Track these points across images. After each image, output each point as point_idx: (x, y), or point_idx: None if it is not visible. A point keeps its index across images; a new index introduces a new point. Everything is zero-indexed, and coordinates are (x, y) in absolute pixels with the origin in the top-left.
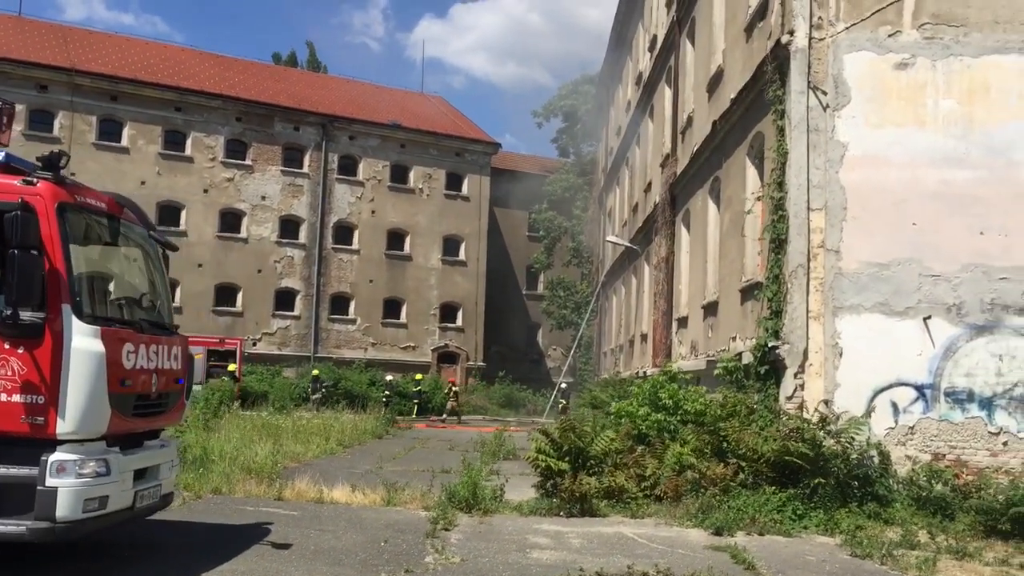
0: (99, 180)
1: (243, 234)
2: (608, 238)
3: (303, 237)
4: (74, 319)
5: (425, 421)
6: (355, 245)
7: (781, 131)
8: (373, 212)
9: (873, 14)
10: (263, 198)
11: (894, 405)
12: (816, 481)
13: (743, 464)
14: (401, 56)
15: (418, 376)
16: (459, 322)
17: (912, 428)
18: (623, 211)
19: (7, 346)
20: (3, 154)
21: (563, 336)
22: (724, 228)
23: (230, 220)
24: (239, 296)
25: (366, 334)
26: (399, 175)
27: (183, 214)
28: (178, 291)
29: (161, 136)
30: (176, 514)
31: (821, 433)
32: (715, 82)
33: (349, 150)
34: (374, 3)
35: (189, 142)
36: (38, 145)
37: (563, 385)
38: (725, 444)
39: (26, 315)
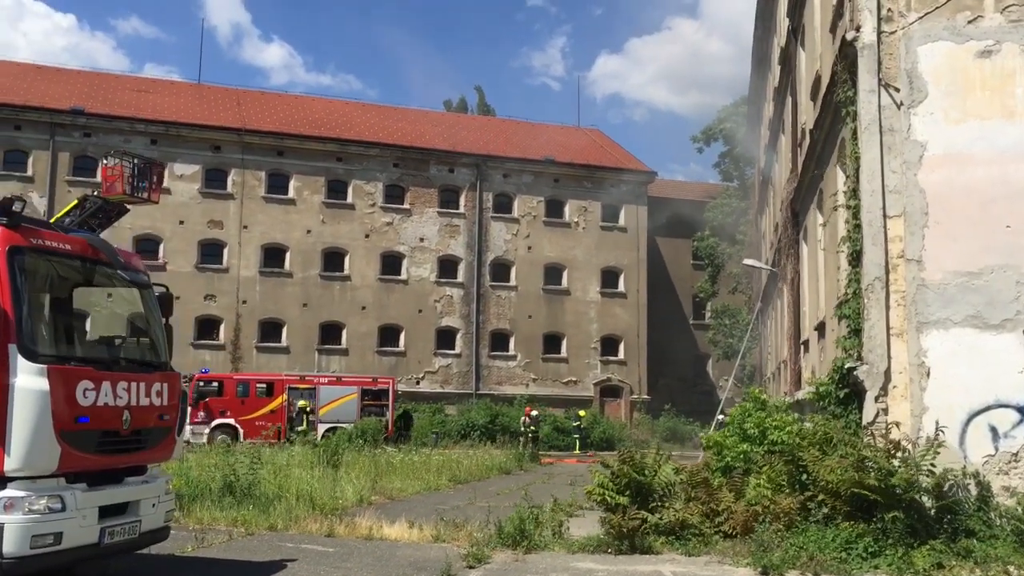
0: (269, 231)
1: (403, 276)
2: (745, 262)
3: (461, 276)
4: (19, 358)
5: (577, 456)
6: (513, 281)
7: (854, 134)
8: (529, 248)
9: (949, 0)
10: (421, 240)
11: (993, 430)
12: (891, 515)
13: (824, 497)
14: (582, 95)
15: (581, 412)
16: (621, 355)
17: (1016, 455)
18: (770, 232)
19: None
20: None
21: (732, 366)
22: (826, 243)
23: (390, 263)
24: (401, 336)
25: (527, 370)
26: (554, 210)
27: (346, 259)
28: (343, 333)
29: (324, 186)
30: (211, 551)
31: (896, 462)
32: (815, 88)
33: (503, 188)
34: (552, 43)
35: (350, 190)
36: (213, 202)
37: (720, 417)
38: (805, 475)
39: None
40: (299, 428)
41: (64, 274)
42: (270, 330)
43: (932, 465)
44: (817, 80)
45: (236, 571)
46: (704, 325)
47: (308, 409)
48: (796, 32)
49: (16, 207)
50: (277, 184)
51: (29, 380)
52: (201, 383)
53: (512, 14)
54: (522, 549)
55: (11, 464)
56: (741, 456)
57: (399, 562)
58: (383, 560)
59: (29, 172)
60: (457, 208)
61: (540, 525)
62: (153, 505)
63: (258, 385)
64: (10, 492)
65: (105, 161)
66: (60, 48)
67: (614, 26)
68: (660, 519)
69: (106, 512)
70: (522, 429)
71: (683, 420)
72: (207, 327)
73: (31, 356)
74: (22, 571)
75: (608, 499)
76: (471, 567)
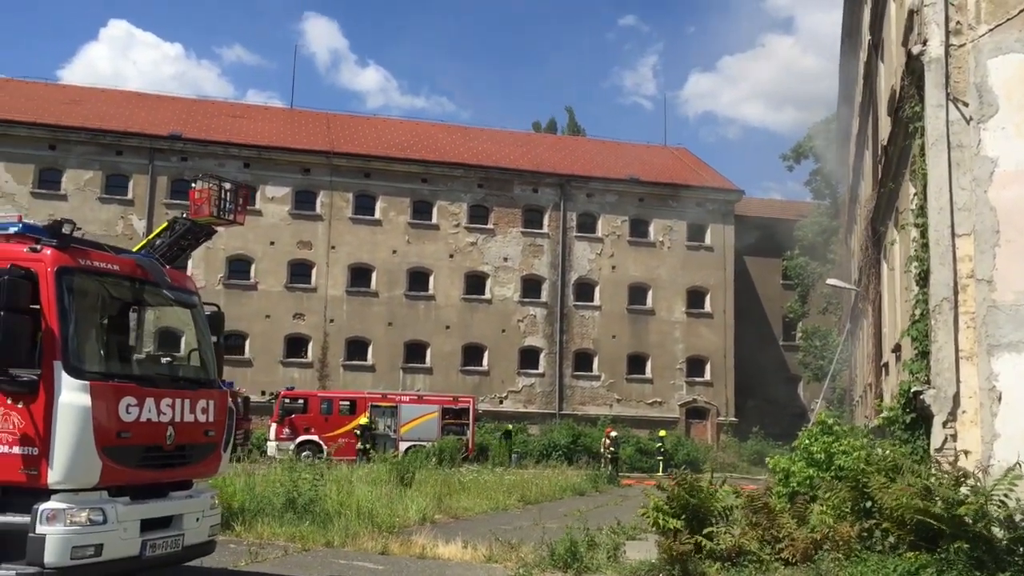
0: (356, 252)
1: (487, 295)
2: (829, 281)
3: (545, 295)
4: (64, 375)
5: (658, 478)
6: (596, 301)
7: (922, 150)
8: (613, 268)
9: (1022, 11)
10: (505, 259)
11: None
12: (956, 545)
13: (888, 526)
14: (675, 114)
15: (661, 433)
16: (707, 376)
17: None
18: (857, 251)
19: (8, 401)
20: (22, 224)
21: (823, 388)
22: (899, 262)
23: (474, 282)
24: (485, 355)
25: (610, 390)
26: (638, 229)
27: (431, 279)
28: (428, 352)
29: (409, 207)
30: (264, 566)
31: (964, 490)
32: (891, 103)
33: (587, 207)
34: (643, 62)
35: (435, 211)
36: (303, 223)
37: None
38: (870, 503)
39: (21, 372)
40: (360, 447)
41: (112, 293)
42: (356, 348)
43: (1006, 495)
44: (893, 95)
45: None
46: (794, 346)
47: (372, 428)
48: (876, 47)
49: (65, 229)
50: (364, 205)
51: (72, 396)
52: (286, 400)
53: (603, 33)
54: (573, 571)
55: (54, 477)
56: (807, 481)
57: None
58: None
59: (129, 195)
60: (541, 228)
61: (594, 548)
62: (197, 519)
63: (341, 403)
64: (52, 504)
65: (194, 185)
66: (168, 76)
67: (706, 44)
68: (716, 544)
69: (148, 525)
70: (602, 451)
71: (772, 443)
72: (296, 345)
73: (76, 373)
74: None
75: (660, 522)
76: None
